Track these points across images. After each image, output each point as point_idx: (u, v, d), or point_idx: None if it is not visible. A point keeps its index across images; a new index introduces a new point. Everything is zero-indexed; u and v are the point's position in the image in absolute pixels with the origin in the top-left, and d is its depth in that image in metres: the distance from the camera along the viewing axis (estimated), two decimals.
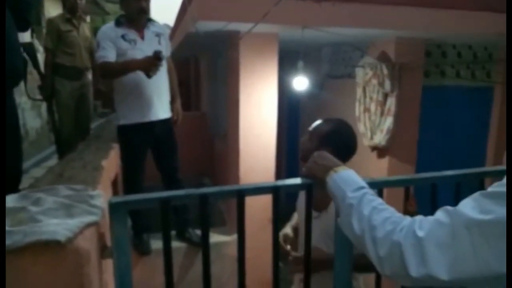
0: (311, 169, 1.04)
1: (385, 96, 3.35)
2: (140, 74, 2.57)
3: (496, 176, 1.28)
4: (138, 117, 2.61)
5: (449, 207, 0.73)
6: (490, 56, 3.79)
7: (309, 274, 1.11)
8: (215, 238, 3.34)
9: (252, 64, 3.05)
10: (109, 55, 2.51)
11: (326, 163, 1.02)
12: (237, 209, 1.03)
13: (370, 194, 0.89)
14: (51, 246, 0.71)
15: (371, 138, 3.45)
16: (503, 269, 0.63)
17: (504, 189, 0.66)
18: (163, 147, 2.85)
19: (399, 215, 0.82)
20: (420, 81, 3.49)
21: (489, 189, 0.68)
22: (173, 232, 3.16)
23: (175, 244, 3.07)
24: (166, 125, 2.80)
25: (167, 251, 0.99)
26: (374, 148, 3.50)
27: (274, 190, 1.03)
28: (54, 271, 0.74)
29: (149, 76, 2.40)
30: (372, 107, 3.42)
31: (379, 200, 0.88)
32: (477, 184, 1.25)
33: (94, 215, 0.83)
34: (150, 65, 2.37)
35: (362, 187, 0.91)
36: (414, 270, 0.71)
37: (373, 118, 3.41)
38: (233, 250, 3.72)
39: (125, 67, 2.49)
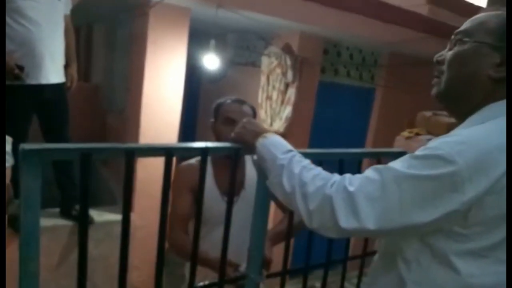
0: (241, 134, 1.06)
1: (287, 86, 3.54)
2: (30, 28, 2.27)
3: (387, 156, 1.47)
4: (26, 77, 2.29)
5: (378, 166, 0.81)
6: (375, 61, 4.27)
7: None
8: (104, 217, 3.13)
9: (161, 37, 2.91)
10: None
11: (256, 129, 1.05)
12: (164, 169, 0.98)
13: (299, 156, 0.95)
14: None
15: (271, 124, 3.62)
16: (422, 219, 0.73)
17: (427, 152, 0.76)
18: (52, 114, 2.57)
19: (327, 172, 0.88)
20: (317, 76, 3.78)
21: (416, 152, 0.77)
22: (57, 210, 2.87)
23: (60, 222, 2.80)
24: (58, 91, 2.53)
25: (85, 208, 0.91)
26: None
27: (167, 152, 0.94)
28: None
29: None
30: (274, 95, 3.58)
31: (308, 160, 0.94)
32: (375, 160, 1.41)
33: (6, 161, 0.72)
34: (7, 71, 2.19)
35: (291, 150, 0.97)
36: (344, 222, 0.77)
37: (274, 106, 3.58)
38: None
39: None
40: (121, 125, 3.83)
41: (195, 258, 1.06)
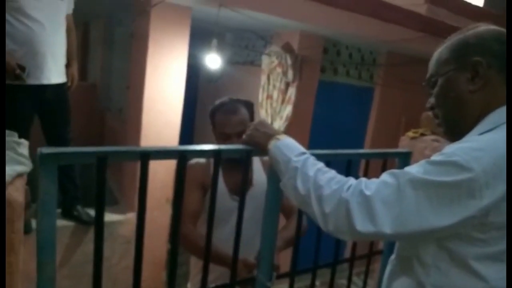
0: (253, 136, 1.06)
1: (287, 85, 3.54)
2: (33, 28, 2.25)
3: (393, 156, 1.48)
4: (27, 77, 2.28)
5: (394, 170, 0.81)
6: (374, 60, 4.28)
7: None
8: (106, 217, 3.10)
9: (163, 36, 2.90)
10: None
11: (268, 131, 1.05)
12: (176, 172, 0.98)
13: (313, 159, 0.95)
14: None
15: (271, 124, 3.62)
16: (439, 224, 0.74)
17: (443, 158, 0.76)
18: (53, 115, 2.57)
19: (342, 176, 0.89)
20: (317, 75, 3.78)
21: (432, 158, 0.78)
22: (58, 210, 2.87)
23: (61, 222, 2.79)
24: (59, 91, 2.52)
25: (101, 211, 0.91)
26: None
27: (180, 155, 0.94)
28: None
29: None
30: (275, 94, 3.58)
31: (321, 163, 0.94)
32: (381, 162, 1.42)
33: (24, 165, 0.71)
34: (8, 71, 2.15)
35: (305, 152, 0.97)
36: (360, 226, 0.77)
37: (275, 105, 3.58)
38: (125, 230, 3.51)
39: None
40: (121, 125, 3.82)
41: (208, 256, 1.06)
